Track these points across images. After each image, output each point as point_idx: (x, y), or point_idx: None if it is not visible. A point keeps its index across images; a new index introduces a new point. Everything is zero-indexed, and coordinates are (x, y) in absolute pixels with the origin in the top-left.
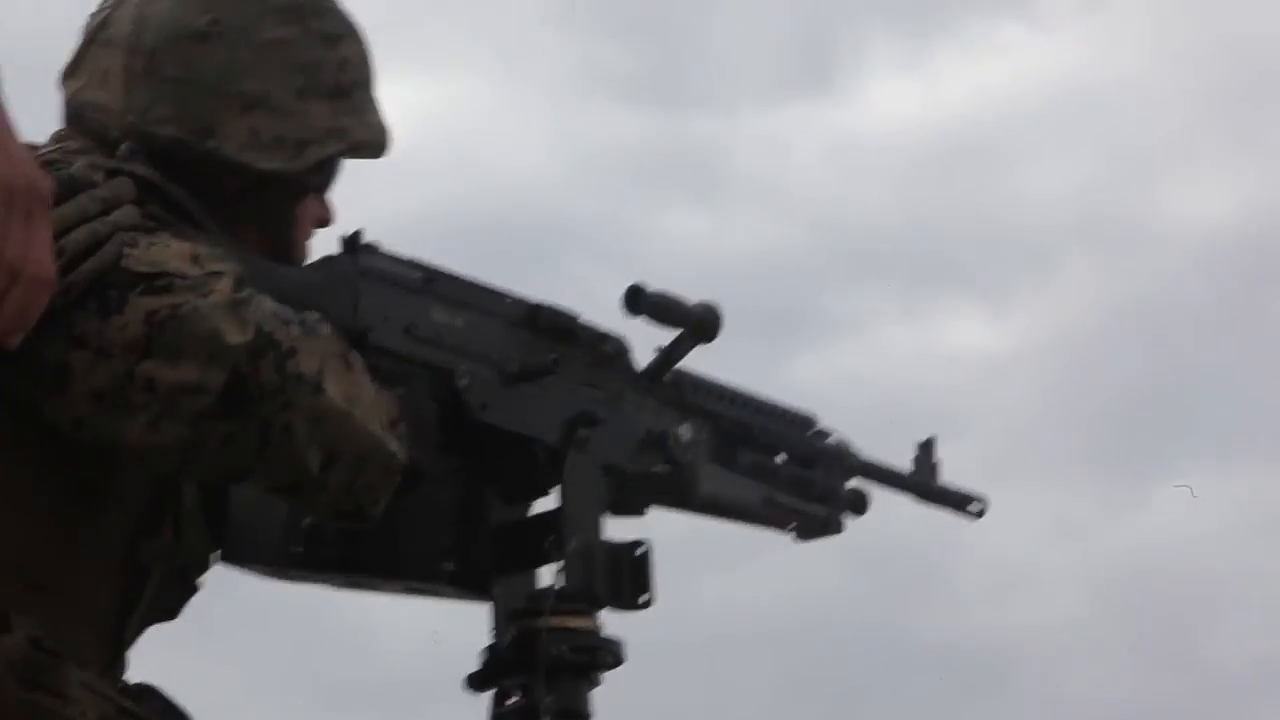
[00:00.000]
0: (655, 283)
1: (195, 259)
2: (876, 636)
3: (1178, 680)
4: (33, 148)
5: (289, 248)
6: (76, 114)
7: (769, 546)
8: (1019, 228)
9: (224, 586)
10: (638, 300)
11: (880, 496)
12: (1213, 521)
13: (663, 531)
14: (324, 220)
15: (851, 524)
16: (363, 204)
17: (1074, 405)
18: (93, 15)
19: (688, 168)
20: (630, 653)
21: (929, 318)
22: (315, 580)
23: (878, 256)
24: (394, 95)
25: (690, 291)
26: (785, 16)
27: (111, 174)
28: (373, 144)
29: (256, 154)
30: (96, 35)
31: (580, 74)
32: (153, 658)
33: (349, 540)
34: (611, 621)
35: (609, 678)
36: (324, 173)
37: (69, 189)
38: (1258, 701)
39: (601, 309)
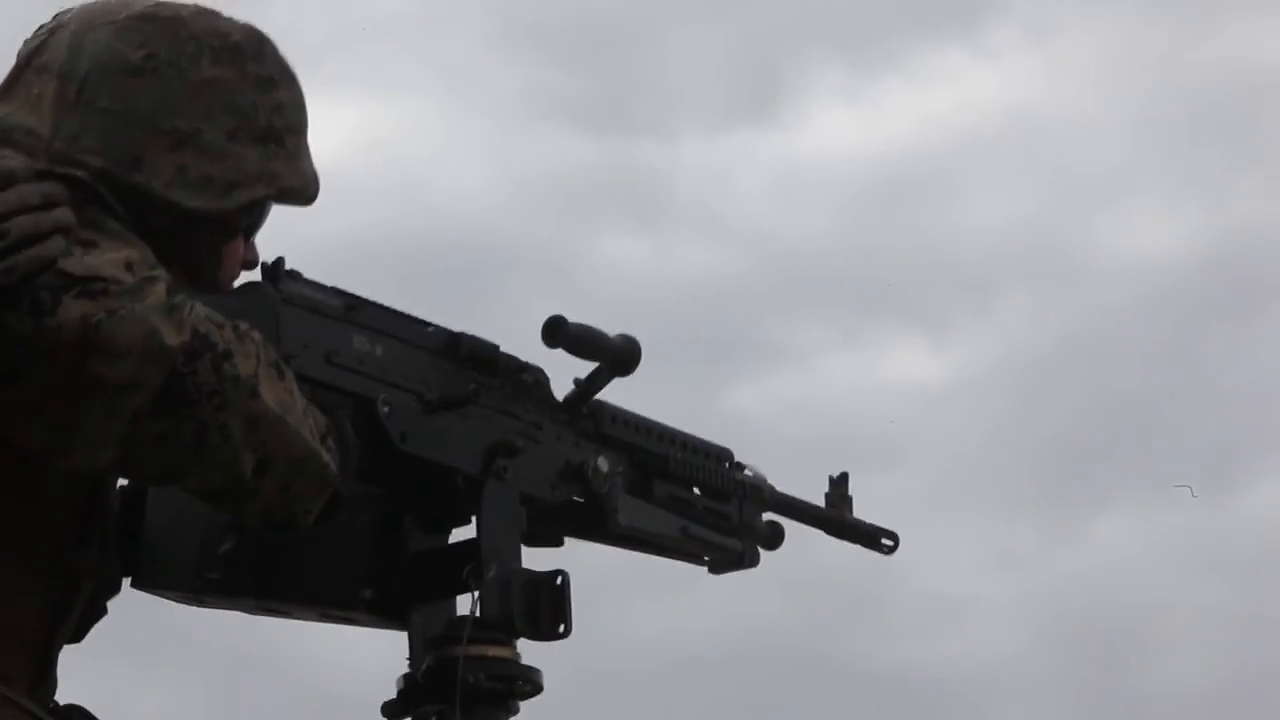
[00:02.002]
0: (596, 308)
1: (129, 266)
2: (814, 665)
3: (1114, 712)
4: None
5: (214, 287)
6: (5, 137)
7: (709, 575)
8: (961, 258)
9: (151, 608)
10: (557, 332)
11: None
12: (1150, 554)
13: (603, 559)
14: (250, 262)
15: (768, 557)
16: (303, 225)
17: (1013, 436)
18: (28, 40)
19: (630, 193)
20: (568, 678)
21: (870, 347)
22: (230, 606)
23: (820, 285)
24: (338, 118)
25: (632, 317)
26: (731, 45)
27: (43, 177)
28: (303, 191)
29: (183, 192)
30: (31, 60)
31: (524, 99)
32: (89, 677)
33: (265, 566)
34: (552, 645)
35: (530, 705)
36: (252, 215)
37: (8, 179)
38: None
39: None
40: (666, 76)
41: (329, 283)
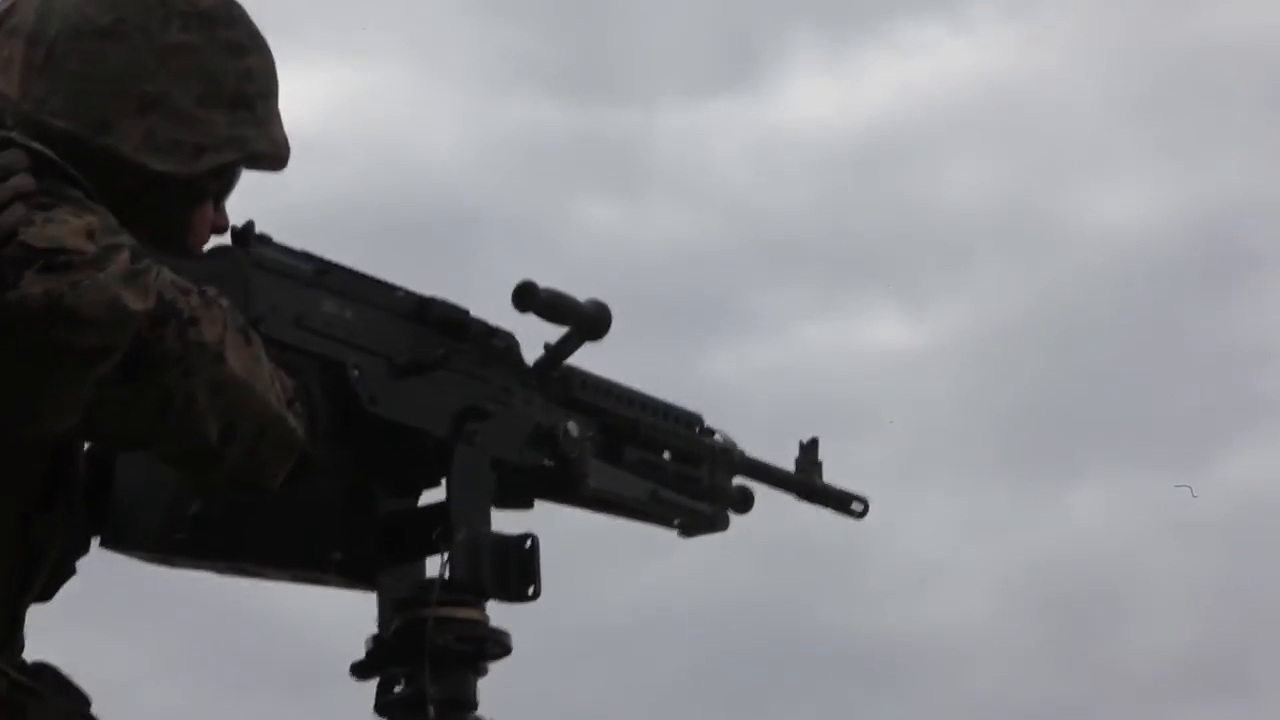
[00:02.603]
0: (572, 273)
1: (91, 235)
2: (788, 630)
3: (1086, 679)
4: None
5: (183, 252)
6: None
7: (683, 539)
8: (937, 226)
9: (124, 568)
10: (528, 297)
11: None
12: (1123, 522)
13: (578, 523)
14: (220, 227)
15: (742, 522)
16: (276, 189)
17: (988, 404)
18: None
19: (606, 159)
20: (543, 641)
21: (846, 314)
22: (199, 567)
23: (796, 252)
24: (311, 81)
25: (607, 283)
26: (710, 11)
27: (2, 146)
28: (273, 156)
29: (151, 155)
30: (1, 23)
31: (499, 63)
32: (56, 636)
33: (234, 527)
34: (528, 607)
35: (499, 667)
36: (221, 180)
37: None
38: (1165, 701)
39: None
40: (644, 42)
41: (299, 247)
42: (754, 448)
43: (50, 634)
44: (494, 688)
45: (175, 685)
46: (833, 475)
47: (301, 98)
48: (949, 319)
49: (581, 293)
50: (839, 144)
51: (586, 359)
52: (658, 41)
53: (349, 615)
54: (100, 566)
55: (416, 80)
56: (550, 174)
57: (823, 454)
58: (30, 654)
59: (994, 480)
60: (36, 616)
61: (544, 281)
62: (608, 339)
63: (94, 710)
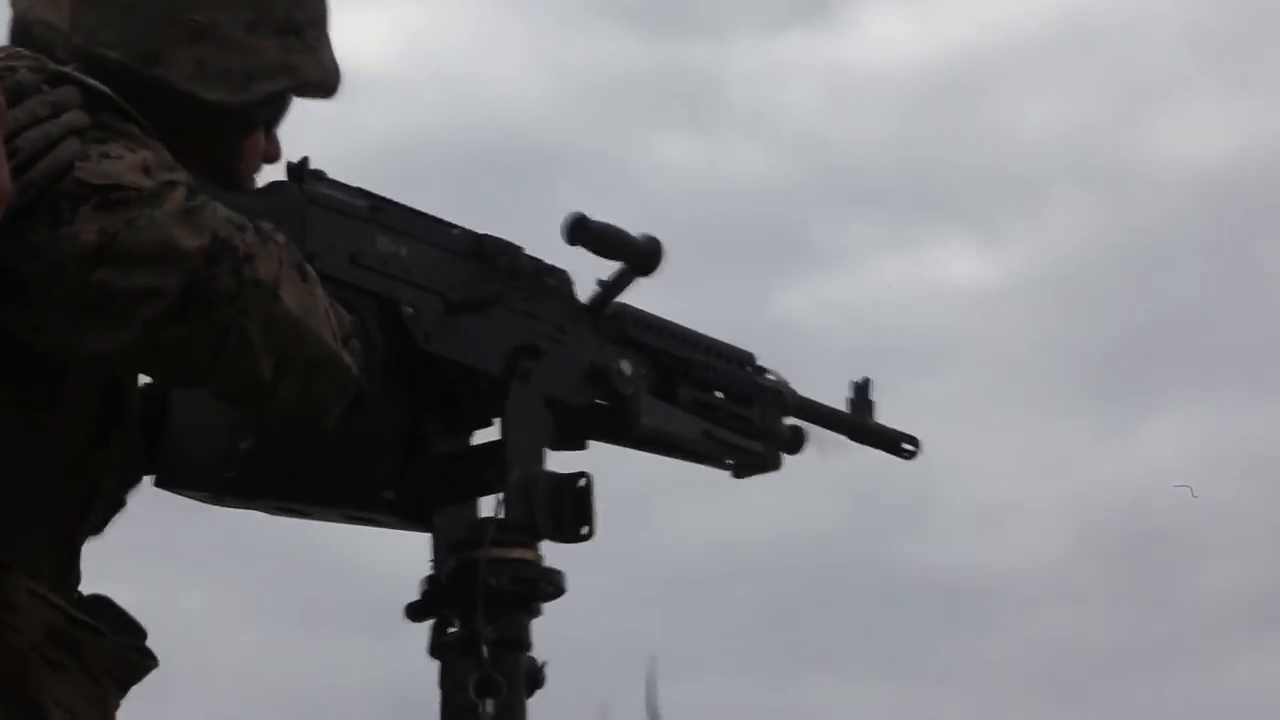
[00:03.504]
0: (646, 210)
1: (147, 170)
2: (859, 570)
3: (1159, 617)
4: None
5: (234, 180)
6: (24, 31)
7: (753, 480)
8: (1013, 161)
9: (203, 510)
10: (579, 231)
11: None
12: (1199, 457)
13: (644, 462)
14: (271, 155)
15: (815, 464)
16: (352, 125)
17: (1063, 339)
18: None
19: (682, 96)
20: (613, 582)
21: (920, 250)
22: (250, 506)
23: (870, 188)
24: (383, 17)
25: (682, 220)
26: None
27: (56, 82)
28: (323, 83)
29: (202, 84)
30: None
31: None
32: (136, 576)
33: (286, 466)
34: (599, 548)
35: (572, 604)
36: (272, 108)
37: (16, 94)
38: (1238, 638)
39: None
40: None
41: (365, 185)
42: (824, 384)
43: (125, 573)
44: (566, 626)
45: (247, 627)
46: (907, 411)
47: (373, 33)
48: (1024, 254)
49: (655, 229)
50: (914, 78)
51: (652, 293)
52: None
53: (418, 554)
54: (172, 509)
55: (490, 15)
56: (625, 110)
57: (896, 390)
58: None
59: (1069, 417)
60: (110, 557)
61: (615, 217)
62: (682, 275)
63: (166, 653)
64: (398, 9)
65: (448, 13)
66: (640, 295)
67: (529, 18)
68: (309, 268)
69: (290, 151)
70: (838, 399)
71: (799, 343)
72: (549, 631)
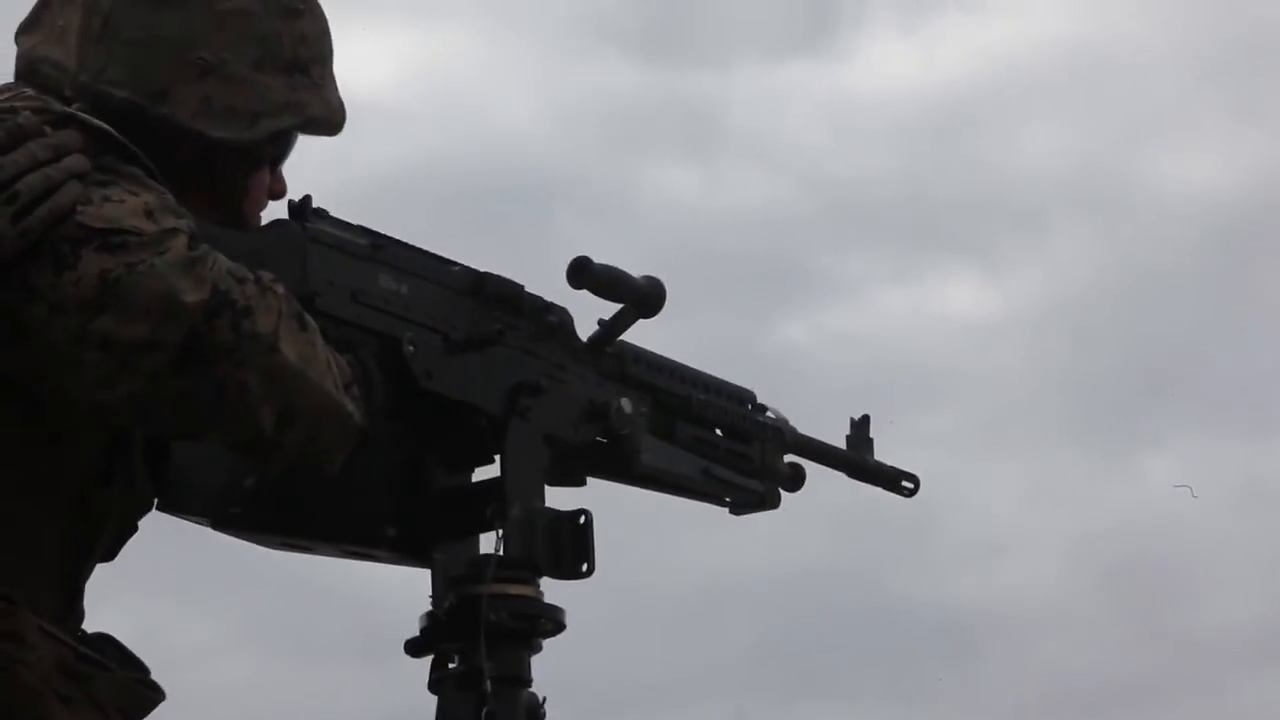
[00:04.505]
0: (647, 238)
1: (150, 214)
2: (856, 599)
3: (1155, 650)
4: None
5: (240, 218)
6: (30, 69)
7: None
8: (1015, 192)
9: (205, 537)
10: (582, 274)
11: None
12: (1200, 491)
13: (641, 493)
14: (277, 193)
15: (818, 490)
16: (350, 155)
17: (1064, 371)
18: None
19: (682, 123)
20: (612, 612)
21: (922, 280)
22: (253, 540)
23: (872, 218)
24: (385, 45)
25: (682, 249)
26: None
27: (60, 123)
28: (328, 121)
29: (208, 122)
30: None
31: (576, 26)
32: (135, 606)
33: (288, 502)
34: (599, 579)
35: (568, 636)
36: (278, 145)
37: (17, 137)
38: (1235, 672)
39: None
40: (720, 5)
41: (363, 219)
42: (825, 413)
43: (123, 602)
44: (561, 658)
45: (245, 656)
46: (907, 443)
47: (375, 62)
48: (1025, 285)
49: (656, 258)
50: (916, 108)
51: (653, 323)
52: (734, 4)
53: (419, 587)
54: (173, 537)
55: (491, 43)
56: (626, 138)
57: (896, 422)
58: (105, 623)
59: (1068, 448)
60: (110, 584)
61: (616, 246)
62: (682, 305)
63: (163, 681)
64: (398, 38)
65: (449, 42)
66: (641, 325)
67: (530, 46)
68: (309, 318)
69: (292, 180)
70: (837, 429)
71: (799, 373)
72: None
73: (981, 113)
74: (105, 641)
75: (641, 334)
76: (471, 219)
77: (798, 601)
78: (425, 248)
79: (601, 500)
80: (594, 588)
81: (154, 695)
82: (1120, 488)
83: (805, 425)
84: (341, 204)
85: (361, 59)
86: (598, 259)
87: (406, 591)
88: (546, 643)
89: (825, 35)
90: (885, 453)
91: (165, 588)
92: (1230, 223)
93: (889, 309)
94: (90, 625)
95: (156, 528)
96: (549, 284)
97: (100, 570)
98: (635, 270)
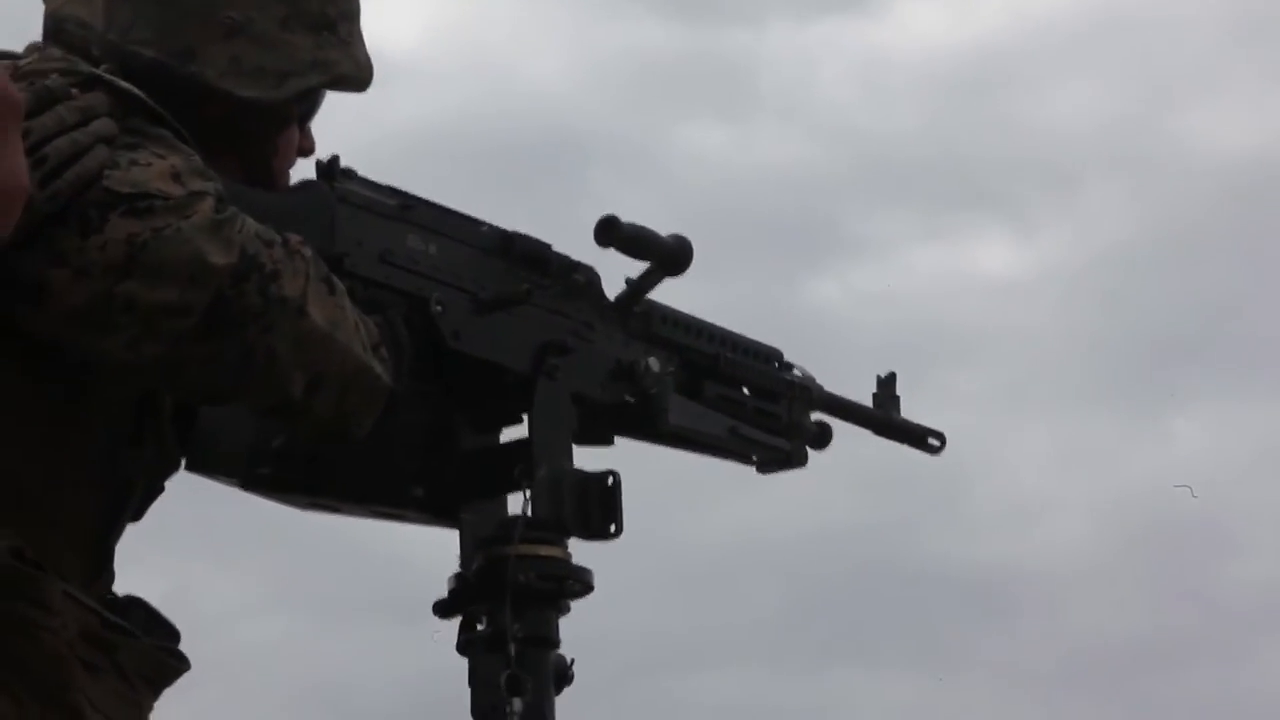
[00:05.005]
0: (678, 196)
1: (176, 177)
2: (889, 563)
3: (1184, 611)
4: (9, 57)
5: (270, 176)
6: (57, 28)
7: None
8: (1046, 151)
9: (236, 497)
10: (610, 232)
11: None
12: (1230, 453)
13: (670, 453)
14: (306, 150)
15: (847, 452)
16: (382, 114)
17: (1096, 332)
18: None
19: (713, 81)
20: (643, 571)
21: (953, 239)
22: (281, 501)
23: (903, 177)
24: (416, 4)
25: (713, 207)
26: None
27: (88, 85)
28: (356, 78)
29: (237, 81)
30: None
31: None
32: (166, 567)
33: (317, 463)
34: (623, 543)
35: (599, 596)
36: (306, 103)
37: (45, 101)
38: (1265, 632)
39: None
40: None
41: (394, 178)
42: (856, 372)
43: (155, 561)
44: (592, 618)
45: (277, 616)
46: (938, 403)
47: (407, 21)
48: (1056, 244)
49: (686, 216)
50: (947, 66)
51: (682, 282)
52: None
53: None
54: (204, 496)
55: (521, 2)
56: (657, 96)
57: (927, 382)
58: (133, 584)
59: (1099, 409)
60: (142, 544)
61: (646, 204)
62: (713, 263)
63: (193, 643)
64: None
65: (478, 0)
66: (670, 283)
67: (561, 4)
68: (336, 281)
69: (323, 139)
70: (867, 388)
71: (829, 332)
72: (572, 622)
73: (1013, 70)
74: (134, 605)
75: (671, 292)
76: (503, 177)
77: (828, 563)
78: (455, 207)
79: (631, 460)
80: (624, 549)
81: (179, 665)
82: (1150, 448)
83: (834, 384)
84: (373, 162)
85: (393, 17)
86: (629, 217)
87: (439, 551)
88: (576, 604)
89: None
90: (914, 411)
91: (197, 548)
92: (1261, 181)
93: (920, 268)
94: (122, 586)
95: (187, 488)
96: (580, 241)
97: (131, 530)
98: (665, 229)
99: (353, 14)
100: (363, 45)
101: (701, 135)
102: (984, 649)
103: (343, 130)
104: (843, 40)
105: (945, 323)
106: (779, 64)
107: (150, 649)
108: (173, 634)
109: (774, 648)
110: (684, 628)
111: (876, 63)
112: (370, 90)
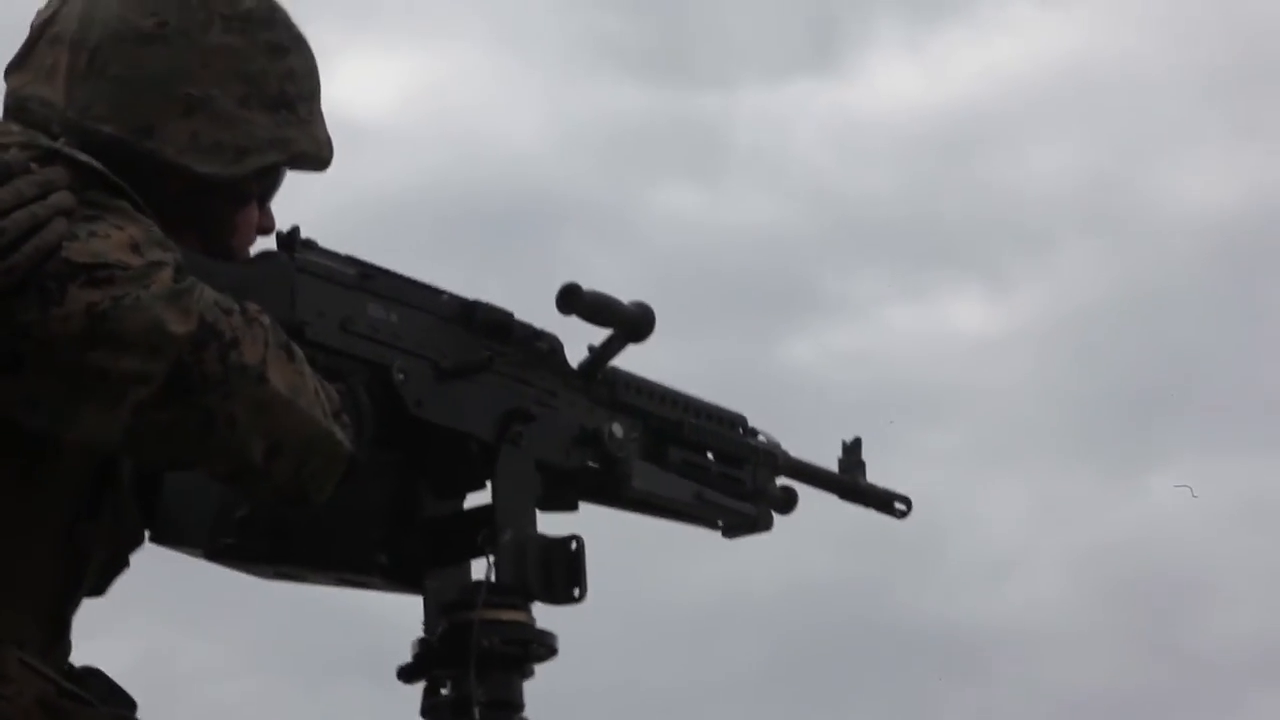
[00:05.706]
0: (652, 259)
1: (135, 247)
2: (863, 616)
3: (1162, 668)
4: None
5: (228, 254)
6: (19, 107)
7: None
8: (1020, 211)
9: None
10: (572, 300)
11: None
12: (1204, 509)
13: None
14: (266, 229)
15: (821, 509)
16: (355, 177)
17: (1070, 389)
18: (40, 12)
19: (687, 143)
20: (619, 632)
21: (927, 299)
22: (245, 570)
23: (877, 236)
24: (390, 66)
25: (687, 268)
26: None
27: (46, 160)
28: (315, 157)
29: (195, 157)
30: (44, 31)
31: (581, 46)
32: (139, 630)
33: (280, 532)
34: (600, 599)
35: (574, 653)
36: (265, 181)
37: (3, 175)
38: (1243, 689)
39: (596, 283)
40: (725, 24)
41: (367, 241)
42: (833, 432)
43: (125, 628)
44: (569, 676)
45: (247, 677)
46: (913, 461)
47: (379, 84)
48: (1031, 303)
49: (660, 278)
50: (921, 126)
51: (657, 343)
52: (739, 23)
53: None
54: (174, 562)
55: (495, 65)
56: (630, 159)
57: (902, 440)
58: (106, 648)
59: (1075, 466)
60: (113, 610)
61: (619, 266)
62: (687, 324)
63: (166, 703)
64: (399, 60)
65: (453, 64)
66: (644, 345)
67: (534, 67)
68: (296, 348)
69: (296, 206)
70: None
71: (805, 392)
72: (551, 681)
73: (985, 131)
74: (92, 675)
75: (645, 354)
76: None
77: (806, 619)
78: (425, 271)
79: (609, 520)
80: (602, 606)
81: None
82: (1126, 504)
83: (811, 444)
84: (345, 226)
85: (366, 81)
86: (603, 280)
87: (411, 613)
88: (554, 660)
89: (829, 54)
90: (891, 469)
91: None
92: (1234, 239)
93: (895, 327)
94: (94, 650)
95: (156, 554)
96: (552, 306)
97: (101, 598)
98: (640, 291)
99: (312, 94)
100: (323, 124)
101: (675, 197)
102: (960, 706)
103: (315, 195)
104: (815, 102)
105: (921, 381)
106: (752, 126)
107: (106, 716)
108: (129, 703)
109: (751, 704)
110: (663, 683)
111: (849, 124)
112: (343, 154)
